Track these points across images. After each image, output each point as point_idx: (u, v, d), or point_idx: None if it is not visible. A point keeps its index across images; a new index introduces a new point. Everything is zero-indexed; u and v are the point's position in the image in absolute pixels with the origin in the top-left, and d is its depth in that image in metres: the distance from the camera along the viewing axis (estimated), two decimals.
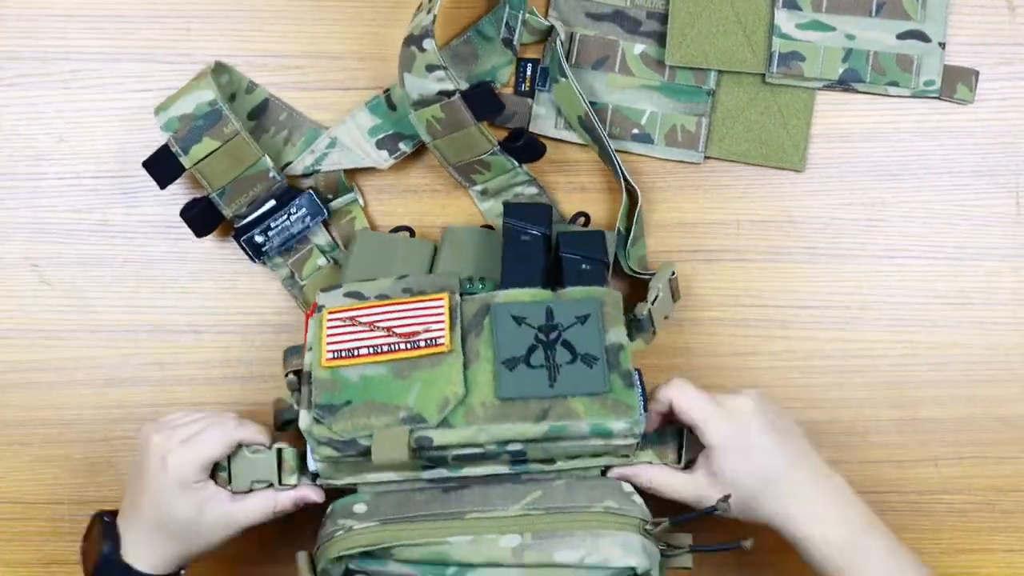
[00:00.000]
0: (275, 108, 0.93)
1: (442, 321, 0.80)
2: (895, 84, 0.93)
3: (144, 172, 0.93)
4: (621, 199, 0.91)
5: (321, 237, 0.93)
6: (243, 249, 0.91)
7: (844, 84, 0.93)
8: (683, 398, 0.82)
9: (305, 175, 0.93)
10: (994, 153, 0.95)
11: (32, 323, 0.94)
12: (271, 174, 0.89)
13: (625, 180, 0.91)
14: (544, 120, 0.94)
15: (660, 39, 0.93)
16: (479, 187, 0.92)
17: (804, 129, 0.93)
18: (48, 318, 0.94)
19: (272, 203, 0.90)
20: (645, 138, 0.93)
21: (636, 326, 0.86)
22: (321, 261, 0.92)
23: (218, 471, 0.82)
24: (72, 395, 0.94)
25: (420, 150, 0.93)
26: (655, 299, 0.86)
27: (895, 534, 0.82)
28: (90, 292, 0.94)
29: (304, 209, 0.91)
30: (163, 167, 0.88)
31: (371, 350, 0.80)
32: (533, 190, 0.92)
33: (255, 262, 0.91)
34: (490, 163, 0.90)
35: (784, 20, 0.93)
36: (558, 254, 0.85)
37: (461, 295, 0.82)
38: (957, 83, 0.93)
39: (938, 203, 0.95)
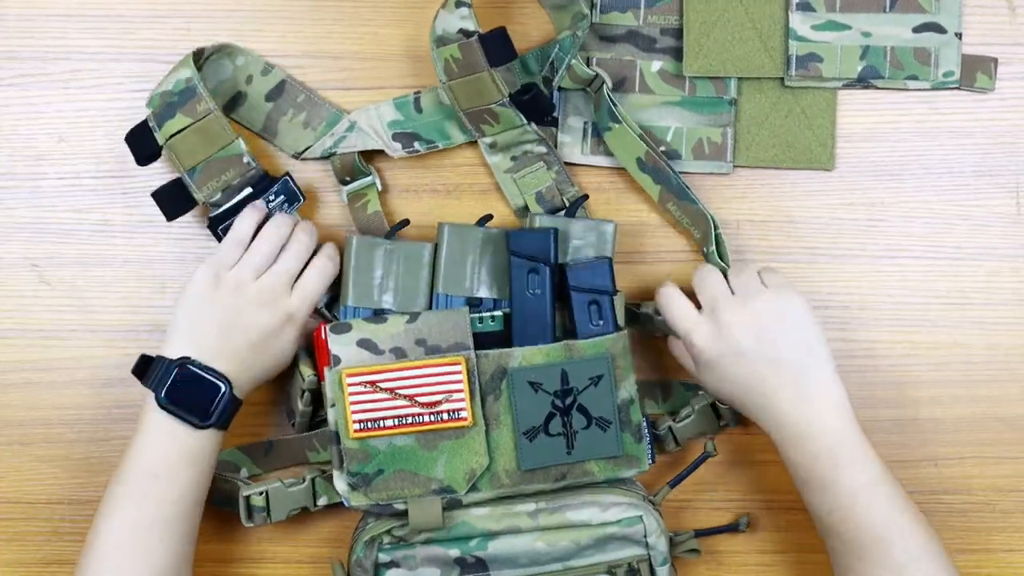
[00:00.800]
0: (292, 90, 0.93)
1: (462, 391, 0.84)
2: (914, 78, 0.93)
3: (143, 172, 0.93)
4: (706, 230, 0.91)
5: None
6: (218, 239, 0.89)
7: (863, 82, 0.93)
8: (669, 307, 0.87)
9: (324, 157, 0.93)
10: (994, 153, 0.95)
11: (32, 323, 0.94)
12: (245, 159, 0.88)
13: (704, 209, 0.91)
14: (571, 147, 0.94)
15: (676, 54, 0.93)
16: (488, 139, 0.91)
17: (829, 128, 0.93)
18: (48, 318, 0.94)
19: (248, 191, 0.89)
20: (673, 155, 0.93)
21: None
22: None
23: (255, 512, 0.88)
24: (72, 395, 0.94)
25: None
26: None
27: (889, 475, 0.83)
28: (90, 292, 0.94)
29: (282, 196, 0.90)
30: (141, 142, 0.88)
31: (396, 421, 0.84)
32: (542, 149, 0.92)
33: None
34: (499, 114, 0.89)
35: (799, 22, 0.92)
36: (565, 286, 0.87)
37: (475, 341, 0.85)
38: (976, 72, 0.93)
39: (938, 203, 0.95)
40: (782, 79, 0.93)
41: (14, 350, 0.94)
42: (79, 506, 0.94)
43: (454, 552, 0.84)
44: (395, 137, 0.92)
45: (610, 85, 0.92)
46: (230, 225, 0.88)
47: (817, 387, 0.83)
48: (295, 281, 0.88)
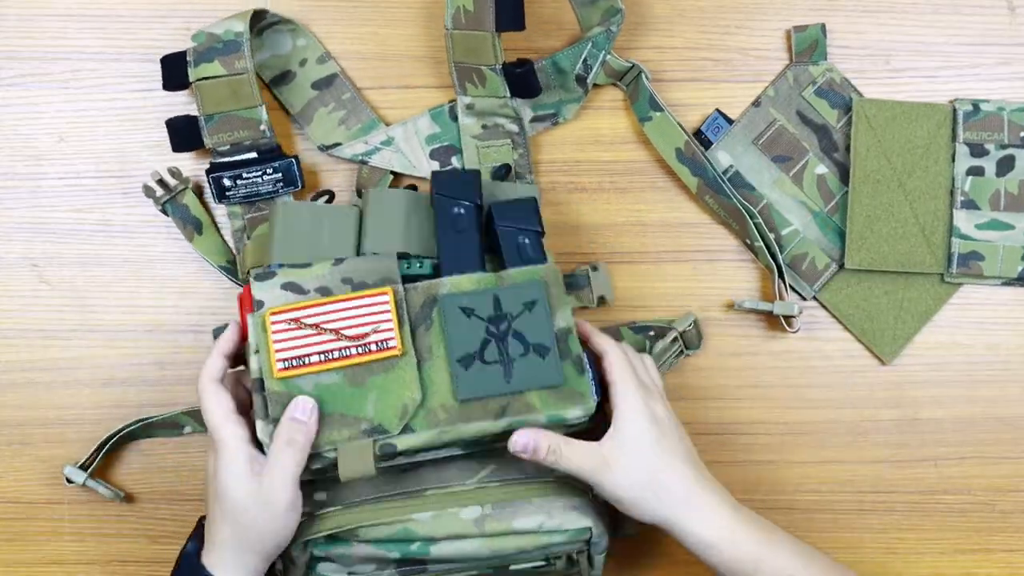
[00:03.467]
0: (340, 86, 0.93)
1: (389, 320, 0.80)
2: None
3: (143, 172, 0.93)
4: (745, 224, 0.91)
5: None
6: (209, 185, 0.90)
7: (1023, 281, 0.93)
8: (614, 362, 0.82)
9: (352, 160, 0.93)
10: None
11: (32, 323, 0.94)
12: (262, 126, 0.89)
13: (742, 204, 0.91)
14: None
15: (844, 172, 0.93)
16: (468, 99, 0.91)
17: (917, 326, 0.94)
18: (48, 318, 0.94)
19: (253, 155, 0.90)
20: (777, 247, 0.93)
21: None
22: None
23: None
24: (72, 395, 0.94)
25: None
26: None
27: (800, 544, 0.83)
28: (90, 292, 0.94)
29: (280, 174, 0.90)
30: (174, 69, 0.89)
31: (322, 356, 0.79)
32: (514, 128, 0.92)
33: (216, 202, 0.91)
34: (486, 78, 0.90)
35: (963, 220, 0.92)
36: (492, 227, 0.84)
37: (403, 281, 0.82)
38: None
39: None
40: (941, 275, 0.93)
41: (14, 350, 0.94)
42: (79, 506, 0.94)
43: (394, 554, 0.80)
44: (432, 155, 0.92)
45: (648, 75, 0.91)
46: (221, 178, 0.90)
47: (705, 505, 0.81)
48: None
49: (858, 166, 0.93)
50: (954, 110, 0.93)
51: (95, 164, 0.94)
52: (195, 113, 0.89)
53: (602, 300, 0.91)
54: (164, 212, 0.92)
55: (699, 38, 0.94)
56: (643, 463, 0.80)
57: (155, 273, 0.94)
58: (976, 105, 0.93)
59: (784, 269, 0.92)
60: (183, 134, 0.90)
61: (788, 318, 0.91)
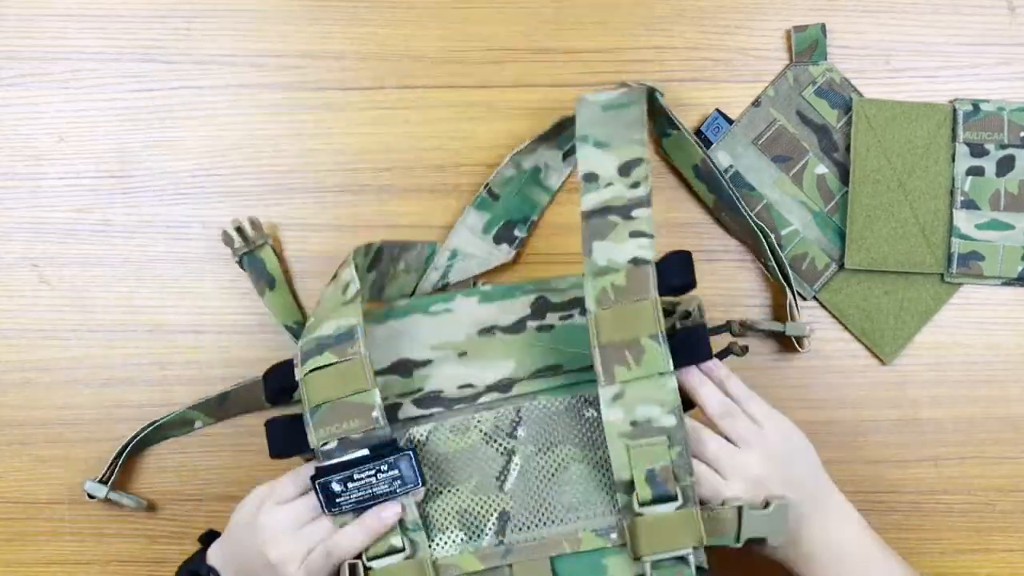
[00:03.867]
0: (387, 249, 0.89)
1: None
2: None
3: (143, 172, 0.93)
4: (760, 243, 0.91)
5: (408, 513, 0.79)
6: (317, 494, 0.78)
7: (1023, 281, 0.93)
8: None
9: (436, 290, 0.92)
10: None
11: (32, 323, 0.94)
12: (374, 413, 0.78)
13: (755, 223, 0.91)
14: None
15: (844, 172, 0.93)
16: (615, 387, 0.77)
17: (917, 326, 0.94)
18: (48, 318, 0.94)
19: (364, 452, 0.78)
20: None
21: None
22: (395, 541, 0.79)
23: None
24: (72, 395, 0.94)
25: None
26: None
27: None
28: (90, 292, 0.94)
29: (396, 471, 0.78)
30: (279, 378, 0.83)
31: None
32: (671, 421, 0.77)
33: (326, 512, 0.79)
34: (645, 350, 0.76)
35: (963, 220, 0.92)
36: None
37: None
38: None
39: None
40: (941, 275, 0.93)
41: (14, 350, 0.94)
42: (79, 506, 0.94)
43: None
44: (496, 239, 0.92)
45: (662, 92, 0.91)
46: (329, 484, 0.78)
47: (838, 508, 0.82)
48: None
49: (858, 166, 0.93)
50: (954, 110, 0.93)
51: (95, 164, 0.94)
52: (293, 411, 0.82)
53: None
54: (240, 264, 0.92)
55: (699, 38, 0.94)
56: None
57: (155, 273, 0.94)
58: (976, 105, 0.93)
59: (792, 278, 0.92)
60: (284, 436, 0.81)
61: (799, 339, 0.91)
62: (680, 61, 0.94)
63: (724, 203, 0.92)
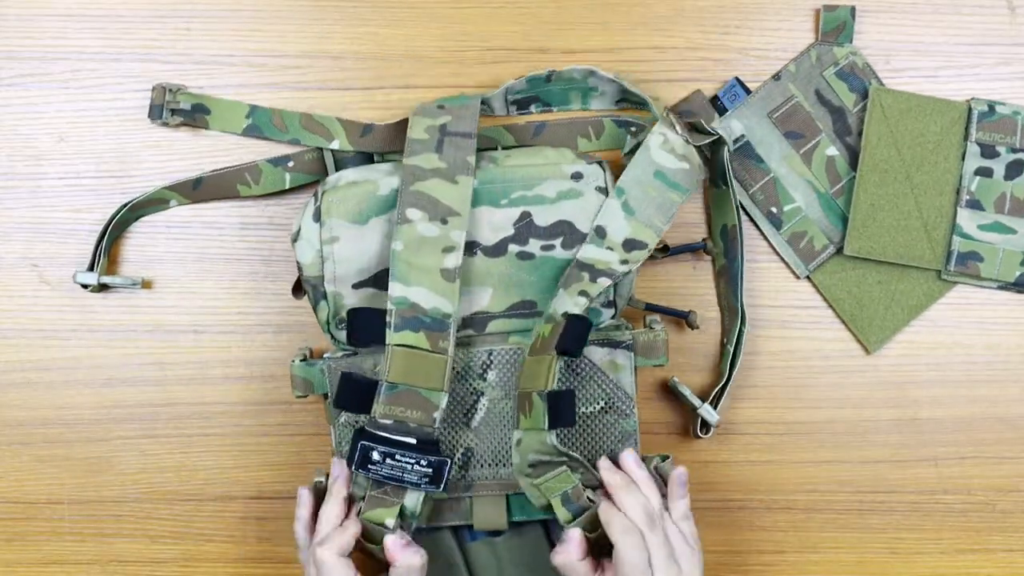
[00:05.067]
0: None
1: None
2: None
3: (143, 172, 0.93)
4: (734, 319, 0.91)
5: (411, 499, 0.84)
6: (354, 448, 0.82)
7: (1019, 287, 0.93)
8: (611, 519, 0.81)
9: None
10: None
11: (32, 323, 0.94)
12: (435, 414, 0.82)
13: (742, 307, 0.90)
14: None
15: (854, 156, 0.93)
16: (519, 433, 0.84)
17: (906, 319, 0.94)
18: (48, 318, 0.94)
19: (412, 440, 0.82)
20: (777, 222, 0.93)
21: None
22: (390, 521, 0.83)
23: None
24: (72, 395, 0.94)
25: None
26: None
27: None
28: (90, 292, 0.94)
29: (431, 470, 0.83)
30: (367, 322, 0.83)
31: None
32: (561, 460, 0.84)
33: (352, 468, 0.83)
34: (534, 406, 0.82)
35: (966, 219, 0.92)
36: None
37: None
38: None
39: None
40: (939, 271, 0.93)
41: (14, 350, 0.94)
42: (79, 506, 0.94)
43: None
44: None
45: (730, 148, 0.91)
46: (371, 450, 0.82)
47: None
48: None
49: (868, 153, 0.92)
50: (969, 109, 0.93)
51: (95, 164, 0.94)
52: (367, 375, 0.85)
53: None
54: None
55: (699, 38, 0.94)
56: None
57: (155, 273, 0.94)
58: (992, 106, 0.93)
59: (781, 248, 0.91)
60: (353, 393, 0.83)
61: (705, 424, 0.91)
62: (680, 61, 0.94)
63: (729, 273, 0.92)
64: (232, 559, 0.94)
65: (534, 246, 0.86)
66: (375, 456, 0.82)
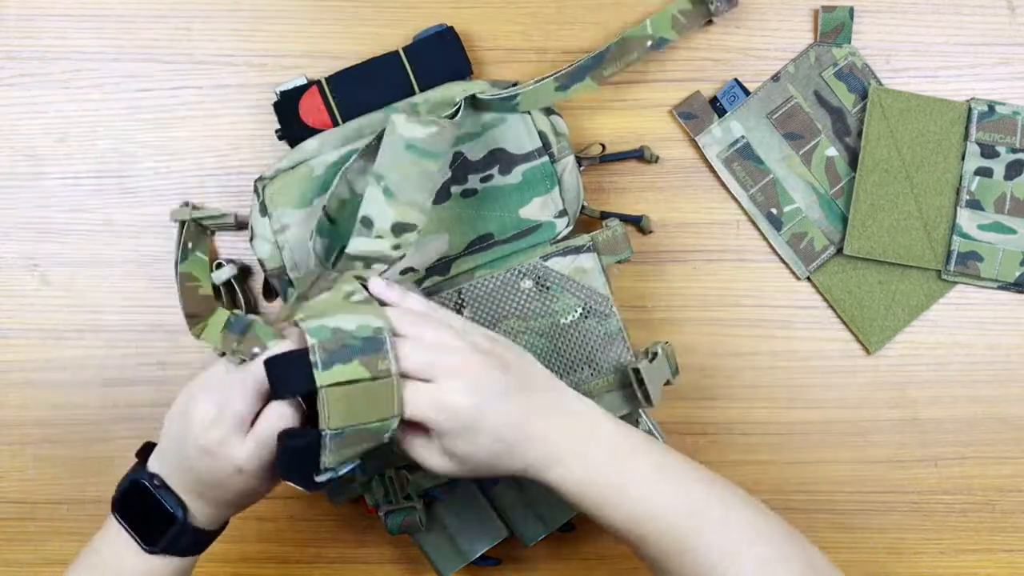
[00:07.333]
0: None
1: None
2: None
3: (143, 172, 0.93)
4: None
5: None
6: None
7: (1019, 287, 0.93)
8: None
9: None
10: None
11: (32, 323, 0.94)
12: (386, 437, 0.71)
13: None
14: (711, 147, 0.93)
15: (854, 157, 0.93)
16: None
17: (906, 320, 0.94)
18: (48, 318, 0.94)
19: (356, 463, 0.73)
20: (777, 223, 0.93)
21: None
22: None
23: None
24: (72, 395, 0.94)
25: None
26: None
27: (674, 452, 0.75)
28: (90, 292, 0.94)
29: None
30: (292, 371, 0.70)
31: None
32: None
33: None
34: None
35: (966, 219, 0.92)
36: None
37: None
38: None
39: None
40: (939, 271, 0.93)
41: (14, 350, 0.94)
42: (79, 506, 0.94)
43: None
44: (337, 268, 0.82)
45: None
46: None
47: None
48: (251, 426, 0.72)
49: (868, 153, 0.93)
50: (969, 109, 0.93)
51: (95, 164, 0.94)
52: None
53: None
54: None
55: (699, 38, 0.94)
56: (472, 456, 0.72)
57: (156, 273, 0.94)
58: (992, 106, 0.93)
59: (781, 249, 0.91)
60: (298, 462, 0.70)
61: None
62: (680, 61, 0.94)
63: None
64: (232, 559, 0.94)
65: (473, 181, 0.87)
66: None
